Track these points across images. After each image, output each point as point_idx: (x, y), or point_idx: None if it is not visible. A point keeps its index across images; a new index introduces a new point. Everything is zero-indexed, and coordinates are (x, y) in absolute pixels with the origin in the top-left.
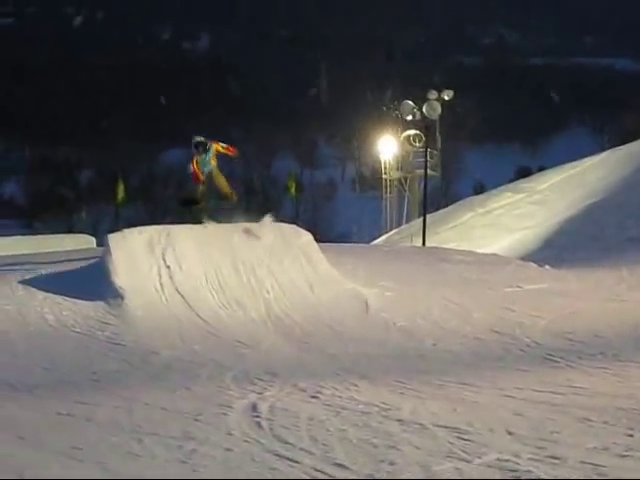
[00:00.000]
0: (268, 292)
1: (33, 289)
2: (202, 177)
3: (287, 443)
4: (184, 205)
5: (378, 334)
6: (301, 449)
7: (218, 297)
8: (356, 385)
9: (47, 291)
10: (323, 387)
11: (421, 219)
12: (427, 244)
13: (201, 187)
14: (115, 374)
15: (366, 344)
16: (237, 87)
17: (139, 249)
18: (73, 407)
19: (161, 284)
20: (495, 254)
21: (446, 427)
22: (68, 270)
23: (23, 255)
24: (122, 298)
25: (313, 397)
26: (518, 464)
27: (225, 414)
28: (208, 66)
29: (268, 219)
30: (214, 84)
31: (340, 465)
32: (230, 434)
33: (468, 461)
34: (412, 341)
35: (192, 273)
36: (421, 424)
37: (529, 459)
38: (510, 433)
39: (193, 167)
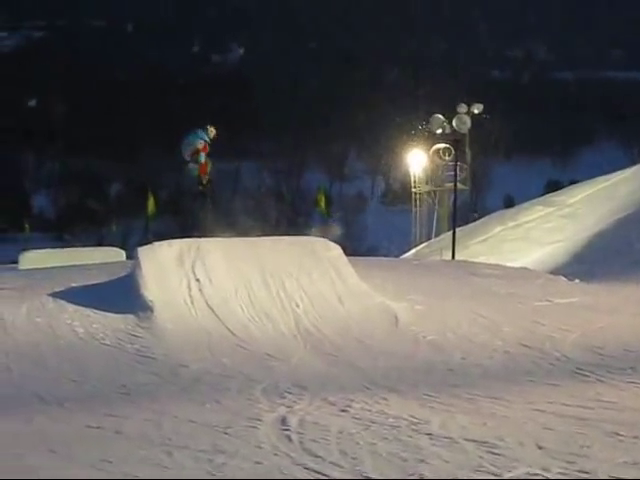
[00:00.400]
0: (297, 305)
1: (63, 302)
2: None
3: (316, 456)
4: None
5: (407, 348)
6: (330, 462)
7: (247, 310)
8: (385, 399)
9: (77, 304)
10: (352, 401)
11: (450, 233)
12: (457, 258)
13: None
14: (144, 387)
15: (395, 358)
16: (266, 100)
17: (169, 262)
18: (102, 420)
19: (191, 297)
20: (525, 268)
21: (475, 441)
22: (98, 283)
23: (53, 268)
24: (152, 311)
25: (343, 411)
26: (548, 478)
27: (254, 427)
28: (237, 79)
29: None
30: (243, 97)
31: (369, 479)
32: (259, 447)
33: (498, 475)
34: (441, 355)
35: (222, 286)
36: (450, 438)
37: (559, 473)
38: (540, 447)
39: (205, 158)
